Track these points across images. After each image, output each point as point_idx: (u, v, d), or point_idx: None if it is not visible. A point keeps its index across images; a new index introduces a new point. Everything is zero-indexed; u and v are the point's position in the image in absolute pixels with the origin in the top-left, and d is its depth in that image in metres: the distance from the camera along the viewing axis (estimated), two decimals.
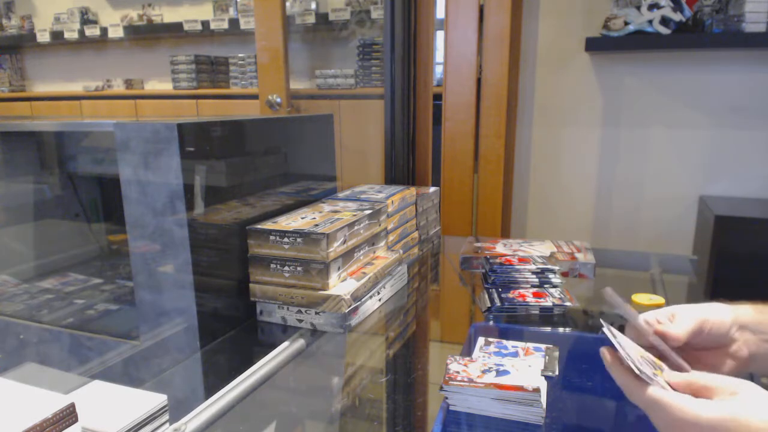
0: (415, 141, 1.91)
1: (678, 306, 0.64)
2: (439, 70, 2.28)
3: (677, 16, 1.76)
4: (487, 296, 1.03)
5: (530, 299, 1.00)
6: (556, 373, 0.76)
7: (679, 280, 1.27)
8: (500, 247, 1.28)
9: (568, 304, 0.98)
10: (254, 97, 2.49)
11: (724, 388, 0.47)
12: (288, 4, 2.60)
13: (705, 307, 0.62)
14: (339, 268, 0.95)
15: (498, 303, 0.99)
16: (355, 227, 1.01)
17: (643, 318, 0.60)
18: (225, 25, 3.27)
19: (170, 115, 2.50)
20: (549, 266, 1.10)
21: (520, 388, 0.64)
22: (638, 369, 0.50)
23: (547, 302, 0.99)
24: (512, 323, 0.96)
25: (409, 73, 1.84)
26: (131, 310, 1.05)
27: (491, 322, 0.96)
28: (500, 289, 1.05)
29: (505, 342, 0.84)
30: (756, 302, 0.64)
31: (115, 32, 3.53)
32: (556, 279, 1.07)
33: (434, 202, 1.47)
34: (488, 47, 1.91)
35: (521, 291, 1.04)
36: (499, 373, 0.69)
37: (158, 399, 0.58)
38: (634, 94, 2.00)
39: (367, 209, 1.08)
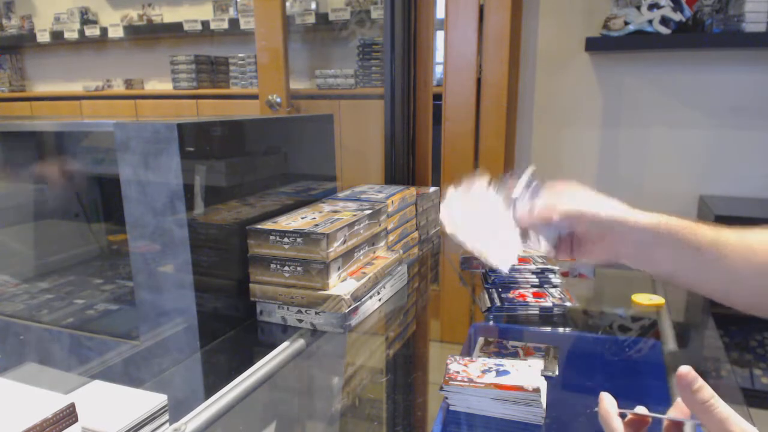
0: (415, 141, 1.91)
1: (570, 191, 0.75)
2: (439, 70, 2.28)
3: (677, 16, 1.76)
4: (487, 296, 1.03)
5: (530, 299, 1.00)
6: (556, 373, 0.76)
7: None
8: None
9: (568, 304, 0.98)
10: (254, 97, 2.49)
11: None
12: (288, 4, 2.60)
13: (586, 200, 0.72)
14: (339, 268, 0.95)
15: (498, 303, 0.99)
16: (355, 227, 1.01)
17: None
18: (225, 25, 3.27)
19: (170, 115, 2.50)
20: (549, 266, 1.10)
21: (520, 388, 0.64)
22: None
23: (547, 302, 0.99)
24: (512, 323, 0.96)
25: (409, 73, 1.84)
26: (131, 310, 1.05)
27: (491, 322, 0.96)
28: (500, 289, 1.05)
29: (505, 342, 0.84)
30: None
31: (115, 32, 3.53)
32: (556, 279, 1.07)
33: (434, 202, 1.47)
34: (488, 47, 1.91)
35: (521, 291, 1.04)
36: (499, 373, 0.69)
37: (158, 399, 0.58)
38: (634, 94, 2.00)
39: (367, 209, 1.08)
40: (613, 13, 1.85)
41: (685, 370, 0.45)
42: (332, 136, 1.29)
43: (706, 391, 0.45)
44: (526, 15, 2.08)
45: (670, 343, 0.85)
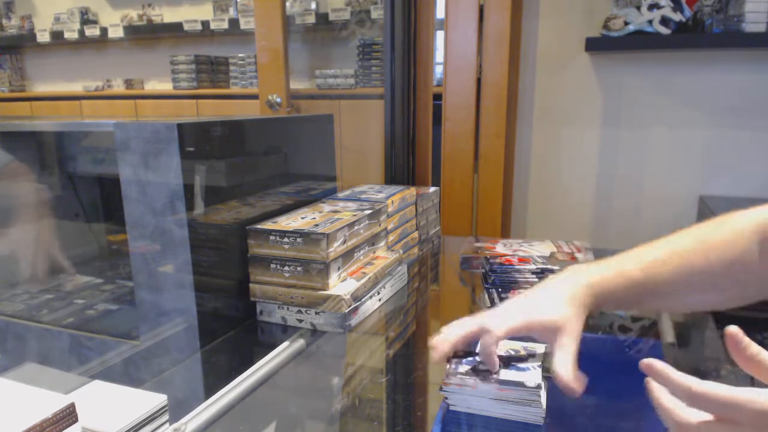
0: (415, 141, 1.91)
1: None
2: (439, 70, 2.28)
3: (677, 16, 1.76)
4: (487, 296, 1.03)
5: None
6: None
7: None
8: (500, 247, 1.28)
9: None
10: (254, 97, 2.49)
11: None
12: (288, 4, 2.60)
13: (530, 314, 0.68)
14: (339, 268, 0.95)
15: (498, 303, 0.99)
16: (355, 227, 1.01)
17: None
18: (225, 25, 3.27)
19: (170, 115, 2.50)
20: (549, 266, 1.10)
21: (520, 387, 0.64)
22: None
23: None
24: None
25: (409, 73, 1.84)
26: (131, 310, 1.05)
27: None
28: (500, 290, 1.05)
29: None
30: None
31: (115, 32, 3.53)
32: None
33: (434, 202, 1.47)
34: (488, 47, 1.91)
35: (521, 291, 1.03)
36: (499, 373, 0.69)
37: (158, 399, 0.58)
38: (634, 94, 2.00)
39: (367, 209, 1.08)
40: (613, 13, 1.85)
41: (733, 329, 0.48)
42: (332, 136, 1.29)
43: (754, 347, 0.49)
44: (526, 15, 2.08)
45: (670, 343, 0.85)
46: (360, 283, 0.95)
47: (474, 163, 1.97)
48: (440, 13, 1.92)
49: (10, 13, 4.00)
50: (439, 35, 2.01)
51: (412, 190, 1.32)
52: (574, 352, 0.65)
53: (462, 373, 0.68)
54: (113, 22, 3.59)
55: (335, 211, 1.06)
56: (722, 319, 0.91)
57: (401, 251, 1.17)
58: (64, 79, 3.98)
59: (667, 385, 0.49)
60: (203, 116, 1.07)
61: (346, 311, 0.91)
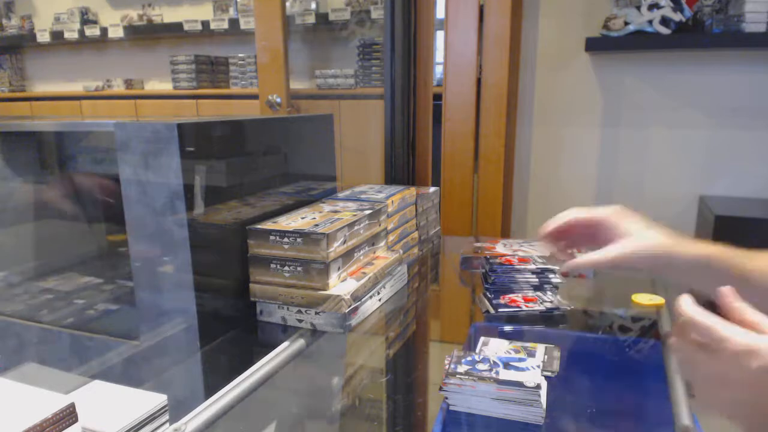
0: (415, 141, 1.91)
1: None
2: (439, 70, 2.28)
3: (677, 16, 1.76)
4: (486, 302, 1.03)
5: (521, 304, 1.00)
6: (556, 373, 0.76)
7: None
8: (500, 247, 1.28)
9: (564, 307, 0.99)
10: (254, 97, 2.49)
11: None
12: (288, 4, 2.60)
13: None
14: (339, 268, 0.95)
15: (494, 311, 0.99)
16: (355, 227, 1.01)
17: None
18: (225, 25, 3.27)
19: (170, 115, 2.50)
20: (549, 266, 1.09)
21: (520, 387, 0.64)
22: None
23: (540, 307, 0.99)
24: (512, 323, 0.96)
25: (409, 73, 1.84)
26: (131, 310, 1.05)
27: (491, 322, 0.96)
28: (492, 295, 1.05)
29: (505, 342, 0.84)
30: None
31: (115, 32, 3.53)
32: (555, 279, 1.07)
33: (434, 202, 1.47)
34: (488, 47, 1.91)
35: (512, 297, 1.03)
36: (499, 372, 0.69)
37: (158, 399, 0.58)
38: (634, 94, 2.00)
39: (367, 209, 1.08)
40: (613, 13, 1.86)
41: (727, 289, 0.55)
42: (332, 136, 1.29)
43: (740, 304, 0.54)
44: (526, 15, 2.08)
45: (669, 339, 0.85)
46: (360, 283, 0.95)
47: (474, 163, 1.97)
48: (440, 13, 1.92)
49: (10, 13, 4.00)
50: (439, 35, 2.01)
51: (412, 190, 1.32)
52: (601, 260, 0.78)
53: (462, 373, 0.68)
54: (113, 22, 3.59)
55: (335, 211, 1.06)
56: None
57: (401, 251, 1.17)
58: (64, 79, 3.97)
59: (676, 311, 0.55)
60: (203, 116, 1.07)
61: (346, 311, 0.91)
